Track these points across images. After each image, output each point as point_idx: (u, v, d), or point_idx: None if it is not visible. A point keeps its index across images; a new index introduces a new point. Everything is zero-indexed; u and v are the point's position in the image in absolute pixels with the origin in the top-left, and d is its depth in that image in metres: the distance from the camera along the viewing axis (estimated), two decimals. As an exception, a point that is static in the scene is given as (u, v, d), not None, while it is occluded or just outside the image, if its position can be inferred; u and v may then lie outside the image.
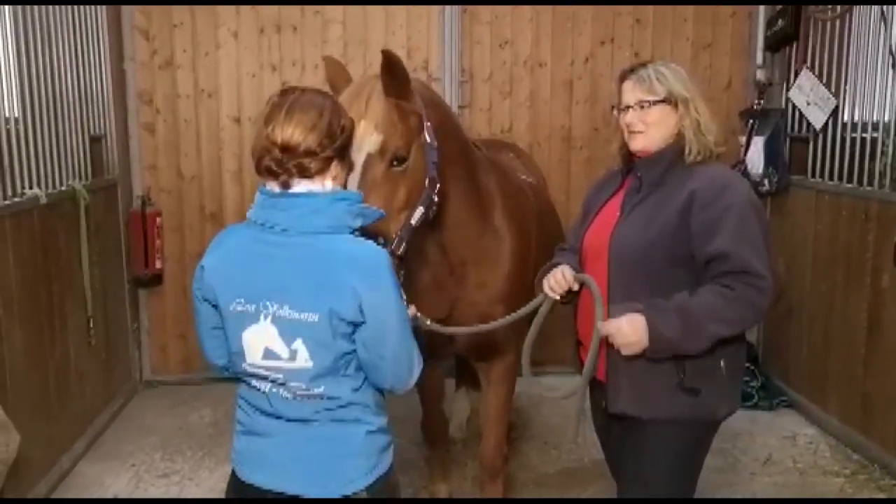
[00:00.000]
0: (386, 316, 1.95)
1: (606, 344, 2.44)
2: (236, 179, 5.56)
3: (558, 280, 2.59)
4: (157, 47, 5.42)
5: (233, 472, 2.15)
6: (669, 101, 2.44)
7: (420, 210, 2.61)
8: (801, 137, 5.19)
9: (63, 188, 4.29)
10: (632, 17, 5.58)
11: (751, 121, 5.39)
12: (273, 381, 2.00)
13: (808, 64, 5.08)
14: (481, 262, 3.11)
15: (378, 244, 2.08)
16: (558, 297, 2.63)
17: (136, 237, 5.33)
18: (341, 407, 2.00)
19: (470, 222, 3.03)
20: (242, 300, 1.97)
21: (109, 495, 4.08)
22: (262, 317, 1.95)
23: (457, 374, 4.63)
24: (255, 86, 5.44)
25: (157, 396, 5.46)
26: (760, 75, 5.57)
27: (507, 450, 3.66)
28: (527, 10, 5.53)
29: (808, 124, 5.07)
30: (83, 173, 4.63)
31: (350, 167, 2.23)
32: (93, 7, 4.85)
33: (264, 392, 2.03)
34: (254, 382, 2.06)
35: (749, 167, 5.31)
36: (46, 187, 4.08)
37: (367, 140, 2.47)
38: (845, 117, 4.77)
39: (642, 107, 2.46)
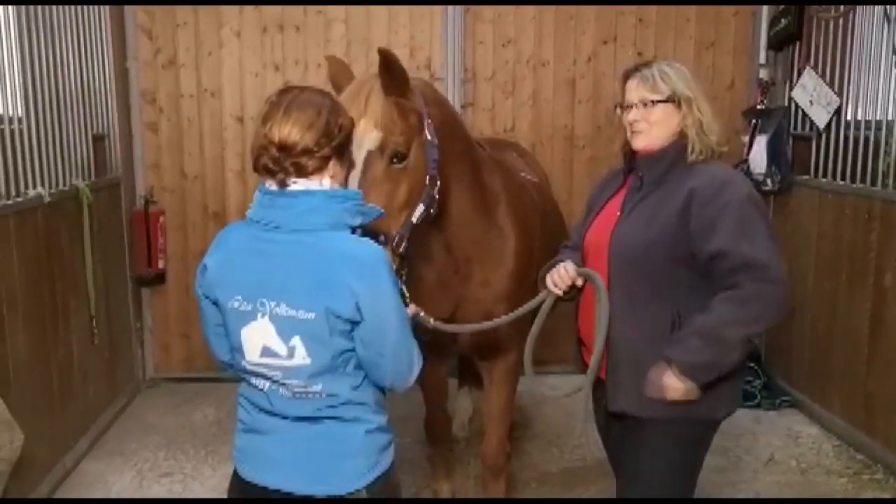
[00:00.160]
0: (384, 314, 1.95)
1: (608, 342, 2.45)
2: (239, 178, 5.57)
3: (561, 276, 2.60)
4: (160, 46, 5.43)
5: (235, 471, 2.15)
6: (673, 100, 2.44)
7: (421, 208, 2.61)
8: (804, 137, 5.18)
9: (66, 187, 4.31)
10: (634, 17, 5.58)
11: (754, 120, 5.39)
12: (272, 380, 2.00)
13: (812, 63, 5.07)
14: (485, 260, 3.11)
15: (379, 242, 2.09)
16: (561, 294, 2.63)
17: (139, 236, 5.35)
18: (340, 405, 2.00)
19: (474, 220, 3.03)
20: (240, 298, 1.98)
21: (112, 494, 4.09)
22: (259, 314, 1.96)
23: (459, 374, 4.64)
24: (258, 85, 5.45)
25: (160, 395, 5.47)
26: (763, 74, 5.57)
27: (509, 448, 3.66)
28: (529, 9, 5.53)
29: (812, 123, 5.06)
30: (86, 172, 4.64)
31: (350, 165, 2.23)
32: (96, 6, 4.86)
33: (264, 390, 2.04)
34: (254, 380, 2.06)
35: (752, 166, 5.31)
36: (50, 186, 4.09)
37: (367, 138, 2.48)
38: (848, 116, 4.76)
39: (645, 105, 2.46)
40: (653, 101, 2.45)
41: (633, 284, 2.43)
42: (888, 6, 4.31)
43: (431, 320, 2.60)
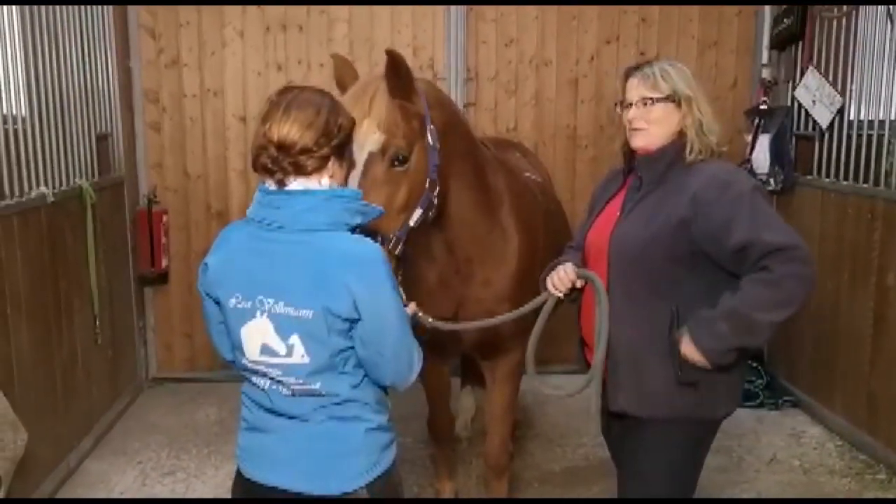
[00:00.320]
0: (383, 313, 1.96)
1: (609, 342, 2.45)
2: (242, 178, 5.57)
3: (561, 277, 2.61)
4: (163, 46, 5.43)
5: (238, 470, 2.16)
6: (673, 98, 2.44)
7: (419, 211, 2.62)
8: (807, 136, 5.18)
9: (70, 187, 4.32)
10: (637, 16, 5.58)
11: (756, 119, 5.39)
12: (272, 378, 2.01)
13: (814, 62, 5.07)
14: (487, 260, 3.11)
15: (376, 242, 2.09)
16: (562, 295, 2.63)
17: (142, 235, 5.36)
18: (340, 404, 2.01)
19: (477, 220, 3.04)
20: (240, 296, 1.99)
21: (116, 493, 4.10)
22: (258, 312, 1.96)
23: (461, 373, 4.64)
24: (261, 85, 5.45)
25: (163, 394, 5.48)
26: (766, 74, 5.57)
27: (512, 448, 3.67)
28: (532, 8, 5.53)
29: (814, 123, 5.06)
30: (90, 172, 4.65)
31: (351, 166, 2.24)
32: (99, 7, 4.86)
33: (265, 389, 2.05)
34: (255, 379, 2.07)
35: (755, 166, 5.31)
36: (53, 186, 4.10)
37: (369, 139, 2.49)
38: (851, 116, 4.76)
39: (645, 104, 2.46)
40: (653, 100, 2.45)
41: (632, 284, 2.43)
42: (891, 6, 4.31)
43: (430, 319, 2.60)
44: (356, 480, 2.03)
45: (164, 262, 5.46)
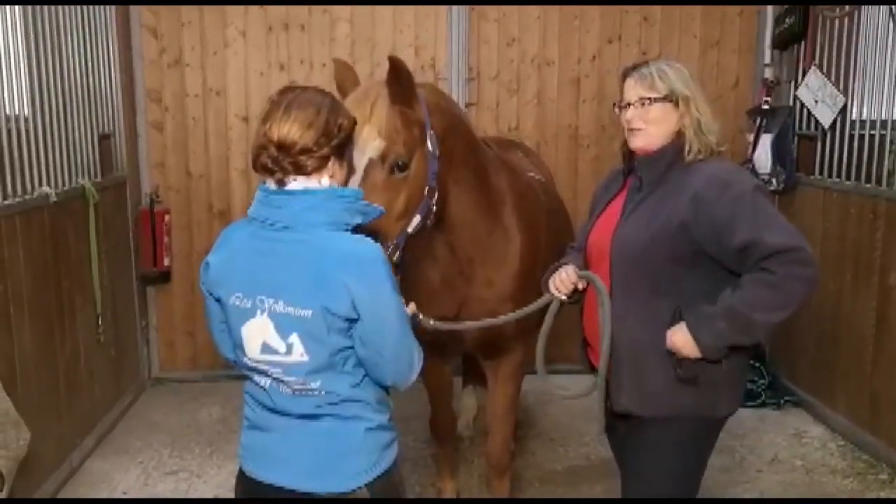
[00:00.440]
0: (382, 313, 1.96)
1: (612, 342, 2.45)
2: (244, 178, 5.57)
3: (563, 280, 2.61)
4: (165, 46, 5.44)
5: (240, 468, 2.16)
6: (670, 98, 2.44)
7: (417, 218, 2.63)
8: (810, 136, 5.17)
9: (72, 186, 4.32)
10: (639, 15, 5.58)
11: (759, 119, 5.39)
12: (272, 377, 2.02)
13: (817, 62, 5.07)
14: (489, 260, 3.12)
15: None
16: (565, 298, 2.64)
17: (144, 235, 5.36)
18: (340, 403, 2.01)
19: (478, 222, 3.04)
20: (241, 294, 1.99)
21: (118, 492, 4.10)
22: (259, 311, 1.97)
23: (464, 372, 4.64)
24: (263, 84, 5.45)
25: (166, 393, 5.49)
26: (768, 74, 5.56)
27: (514, 447, 3.67)
28: (534, 8, 5.53)
29: (817, 122, 5.06)
30: (92, 171, 4.65)
31: (351, 171, 2.24)
32: (102, 6, 4.86)
33: (265, 388, 2.05)
34: (256, 377, 2.07)
35: (757, 166, 5.30)
36: (56, 185, 4.10)
37: (369, 145, 2.49)
38: (853, 115, 4.76)
39: (643, 104, 2.45)
40: (650, 100, 2.45)
41: (634, 284, 2.43)
42: (893, 5, 4.31)
43: (432, 321, 2.61)
44: (356, 479, 2.03)
45: (166, 262, 5.46)
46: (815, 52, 5.11)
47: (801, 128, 5.28)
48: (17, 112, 3.77)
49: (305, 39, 5.48)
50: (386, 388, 2.13)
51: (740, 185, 2.36)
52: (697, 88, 2.48)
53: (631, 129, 2.49)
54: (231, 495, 2.25)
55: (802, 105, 5.20)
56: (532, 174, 3.76)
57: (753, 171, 5.21)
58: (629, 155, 2.58)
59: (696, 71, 2.57)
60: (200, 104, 5.52)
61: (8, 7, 3.71)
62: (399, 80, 2.55)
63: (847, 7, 4.76)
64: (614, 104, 2.58)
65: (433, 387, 3.65)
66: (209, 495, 4.07)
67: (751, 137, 5.39)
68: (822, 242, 4.93)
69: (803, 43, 5.23)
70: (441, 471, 3.92)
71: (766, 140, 5.29)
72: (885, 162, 4.36)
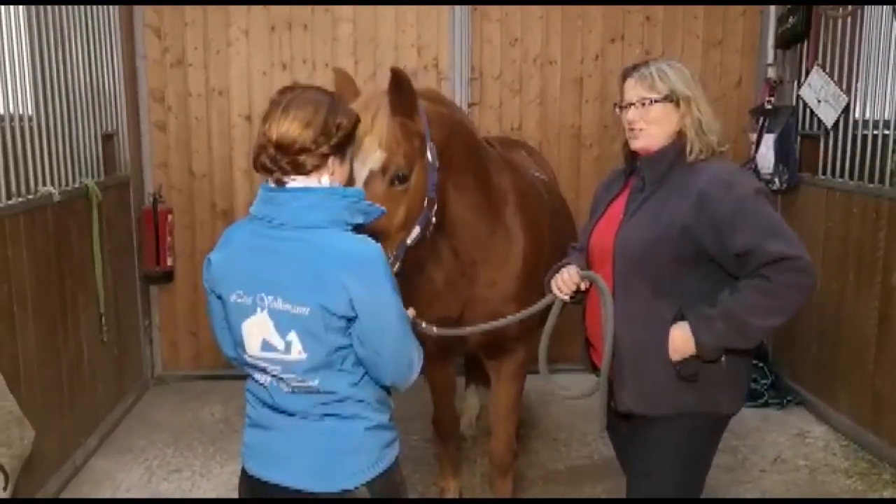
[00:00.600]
0: (382, 313, 1.96)
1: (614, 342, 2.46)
2: (247, 177, 5.58)
3: (565, 280, 2.61)
4: (168, 45, 5.45)
5: (243, 467, 2.17)
6: (671, 98, 2.43)
7: (417, 230, 2.63)
8: (812, 135, 5.17)
9: (76, 186, 4.33)
10: (642, 15, 5.57)
11: (761, 119, 5.37)
12: (272, 375, 2.02)
13: (819, 61, 5.06)
14: (492, 260, 3.12)
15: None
16: (567, 298, 2.64)
17: (147, 234, 5.37)
18: (339, 401, 2.01)
19: (480, 223, 3.04)
20: (241, 292, 2.00)
21: (121, 490, 4.11)
22: (258, 308, 1.98)
23: (466, 372, 4.65)
24: (266, 84, 5.46)
25: (169, 392, 5.50)
26: (771, 73, 5.55)
27: (516, 447, 3.68)
28: (537, 8, 5.53)
29: (819, 122, 5.05)
30: (95, 171, 4.66)
31: (351, 182, 2.24)
32: (105, 6, 4.88)
33: (266, 386, 2.06)
34: (256, 375, 2.08)
35: (759, 165, 5.30)
36: (59, 185, 4.12)
37: (370, 157, 2.49)
38: (856, 115, 4.75)
39: (644, 104, 2.45)
40: (651, 100, 2.44)
41: (636, 284, 2.43)
42: (896, 5, 4.31)
43: (434, 329, 2.61)
44: (356, 478, 2.03)
45: (169, 261, 5.47)
46: (817, 51, 5.11)
47: (803, 127, 5.27)
48: (20, 111, 3.78)
49: (308, 39, 5.49)
50: (386, 388, 2.13)
51: (743, 187, 2.36)
52: (698, 88, 2.48)
53: (632, 130, 2.49)
54: (234, 494, 2.25)
55: (805, 105, 5.19)
56: (535, 173, 3.77)
57: (756, 171, 5.21)
58: (631, 155, 2.58)
59: (698, 70, 2.56)
60: (203, 104, 5.53)
61: (12, 7, 3.71)
62: (400, 90, 2.55)
63: (850, 6, 4.75)
64: (615, 105, 2.59)
65: (436, 386, 3.66)
66: (212, 494, 4.07)
67: (754, 137, 5.38)
68: (824, 242, 4.93)
69: (806, 42, 5.22)
70: (443, 470, 3.93)
71: (768, 140, 5.28)
72: (888, 161, 4.35)
